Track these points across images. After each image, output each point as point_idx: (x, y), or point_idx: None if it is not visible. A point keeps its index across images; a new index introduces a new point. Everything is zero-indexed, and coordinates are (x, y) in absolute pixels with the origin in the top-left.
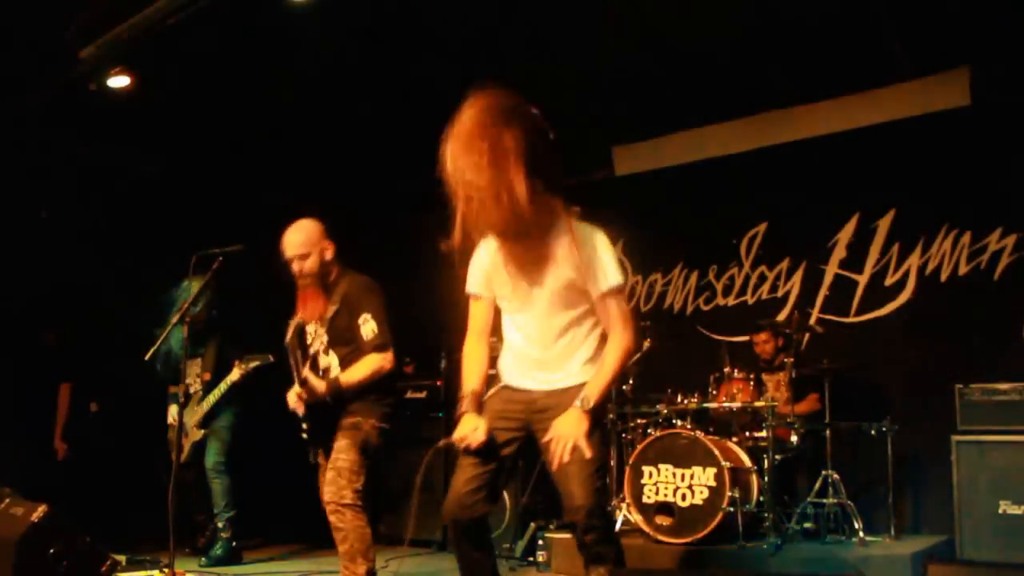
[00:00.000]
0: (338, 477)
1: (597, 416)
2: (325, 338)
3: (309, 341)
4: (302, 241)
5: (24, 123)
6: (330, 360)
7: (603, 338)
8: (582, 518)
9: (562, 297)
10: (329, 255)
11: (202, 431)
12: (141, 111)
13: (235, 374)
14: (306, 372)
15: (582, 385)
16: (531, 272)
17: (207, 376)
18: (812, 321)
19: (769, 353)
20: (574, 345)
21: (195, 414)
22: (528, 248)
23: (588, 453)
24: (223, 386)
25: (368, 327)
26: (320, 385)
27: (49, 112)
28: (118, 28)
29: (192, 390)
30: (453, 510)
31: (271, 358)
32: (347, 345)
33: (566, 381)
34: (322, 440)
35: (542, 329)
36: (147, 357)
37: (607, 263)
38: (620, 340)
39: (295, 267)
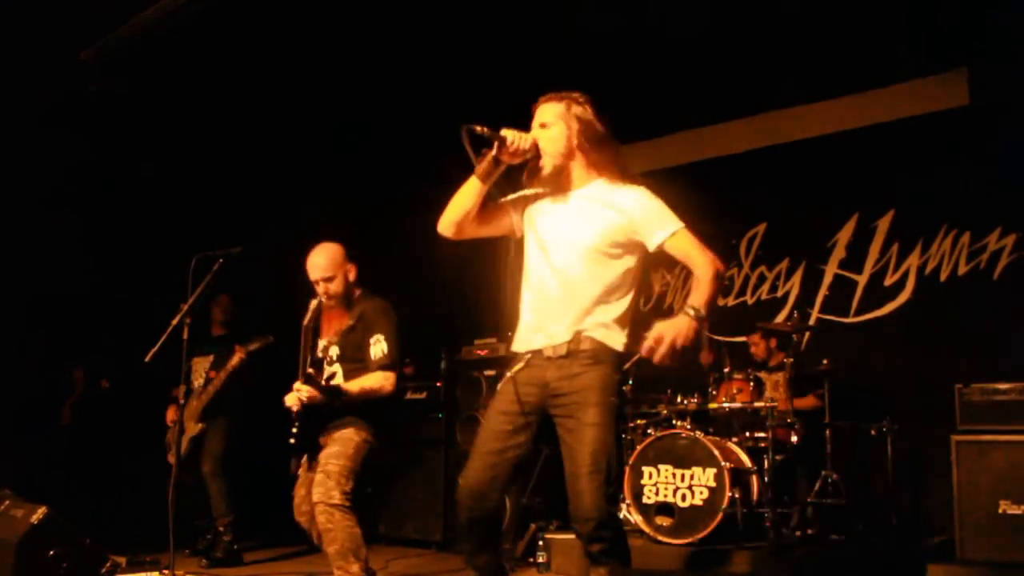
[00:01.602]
0: (327, 479)
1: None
2: (336, 351)
3: (320, 352)
4: (326, 264)
5: (24, 124)
6: (335, 370)
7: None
8: (590, 529)
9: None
10: (352, 276)
11: (200, 425)
12: (141, 112)
13: (235, 359)
14: (311, 370)
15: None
16: None
17: (212, 374)
18: (812, 321)
19: (761, 355)
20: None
21: (194, 408)
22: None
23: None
24: (223, 374)
25: (378, 347)
26: (314, 395)
27: (49, 113)
28: (118, 29)
29: (195, 385)
30: (469, 501)
31: (271, 339)
32: (355, 362)
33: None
34: (308, 447)
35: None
36: (147, 359)
37: None
38: None
39: (320, 289)
